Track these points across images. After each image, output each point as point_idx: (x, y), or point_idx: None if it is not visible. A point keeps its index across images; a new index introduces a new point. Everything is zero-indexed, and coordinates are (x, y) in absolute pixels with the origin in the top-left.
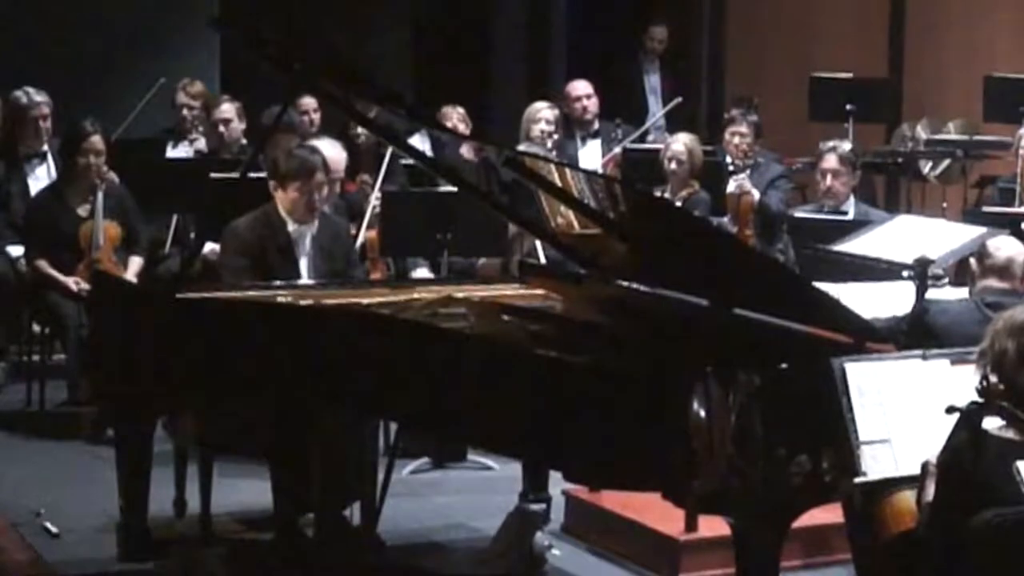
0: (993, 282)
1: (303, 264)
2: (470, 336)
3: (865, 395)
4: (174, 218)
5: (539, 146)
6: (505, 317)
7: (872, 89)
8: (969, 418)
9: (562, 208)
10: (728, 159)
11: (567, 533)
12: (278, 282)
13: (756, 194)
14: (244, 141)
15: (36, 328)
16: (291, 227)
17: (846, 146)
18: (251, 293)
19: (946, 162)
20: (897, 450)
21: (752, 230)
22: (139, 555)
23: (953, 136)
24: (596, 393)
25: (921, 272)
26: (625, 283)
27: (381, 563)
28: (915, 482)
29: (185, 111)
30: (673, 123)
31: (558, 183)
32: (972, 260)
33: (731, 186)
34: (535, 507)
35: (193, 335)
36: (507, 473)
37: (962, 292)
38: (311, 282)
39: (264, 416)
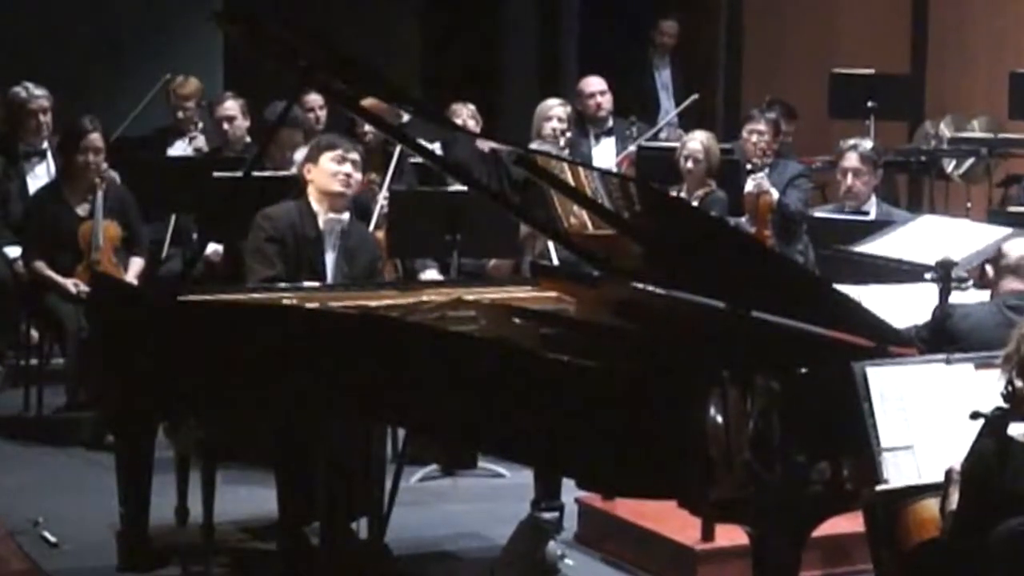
0: (1014, 284)
1: (329, 260)
2: (480, 339)
3: (887, 400)
4: (172, 218)
5: (551, 144)
6: (516, 320)
7: (894, 85)
8: (994, 424)
9: (575, 208)
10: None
11: (580, 542)
12: (283, 284)
13: (775, 193)
14: (248, 139)
15: (34, 331)
16: (322, 221)
17: (867, 144)
18: (255, 296)
19: (970, 161)
20: (920, 457)
21: (771, 230)
22: (140, 565)
23: (977, 134)
24: (610, 398)
25: (944, 274)
26: (640, 285)
27: (389, 573)
28: (938, 490)
29: (180, 113)
30: (688, 120)
31: (571, 182)
32: (987, 266)
33: (749, 185)
34: (547, 516)
35: (195, 338)
36: (518, 481)
37: (986, 295)
38: (316, 284)
39: (268, 422)
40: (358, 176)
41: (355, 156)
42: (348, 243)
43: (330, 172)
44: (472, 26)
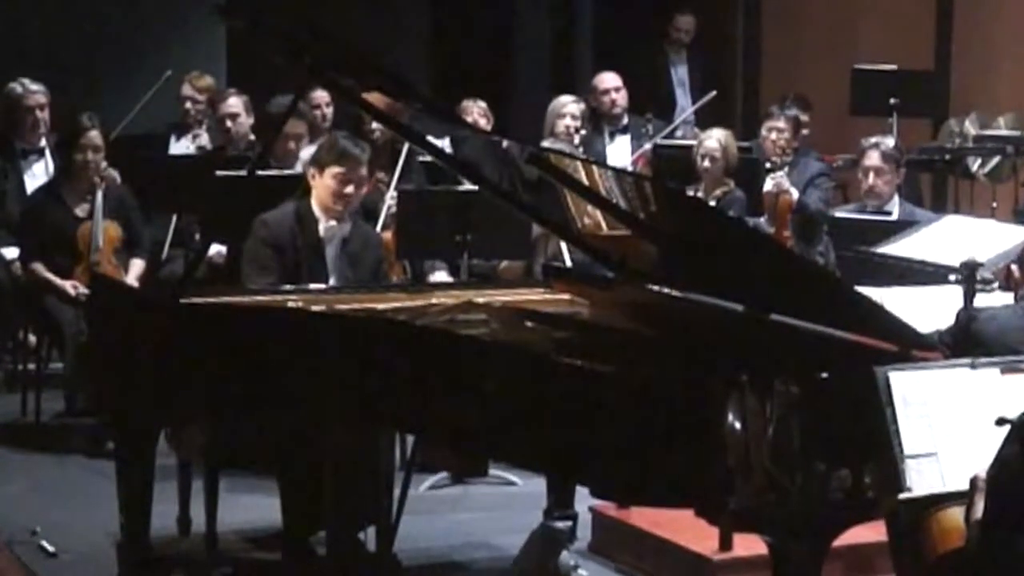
0: None
1: (331, 265)
2: (491, 343)
3: (910, 406)
4: (173, 218)
5: (564, 142)
6: (528, 323)
7: (917, 82)
8: (1021, 430)
9: (589, 208)
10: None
11: (594, 552)
12: (288, 286)
13: (795, 193)
14: (252, 137)
15: (32, 335)
16: (322, 227)
17: (890, 142)
18: (260, 298)
19: (996, 159)
20: (944, 464)
21: (790, 231)
22: (140, 575)
23: (1003, 132)
24: (625, 404)
25: (969, 276)
26: (656, 287)
27: None
28: (963, 498)
29: (188, 104)
30: (705, 118)
31: (585, 181)
32: (1013, 266)
33: (768, 184)
34: (560, 525)
35: (198, 342)
36: (531, 489)
37: (1012, 297)
38: (323, 286)
39: (273, 428)
40: (362, 191)
41: (362, 172)
42: (350, 248)
43: (331, 189)
44: (483, 20)
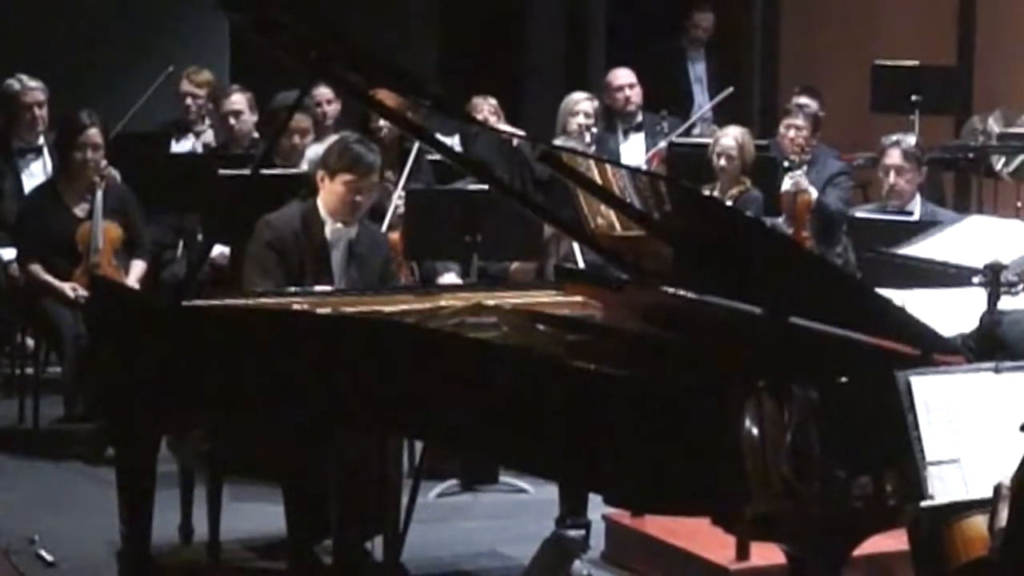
0: None
1: (336, 270)
2: (502, 347)
3: (932, 411)
4: (179, 219)
5: (577, 140)
6: (540, 326)
7: (940, 78)
8: None
9: (602, 208)
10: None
11: (608, 562)
12: (293, 288)
13: (814, 192)
14: (256, 134)
15: (30, 339)
16: (329, 229)
17: (911, 140)
18: (264, 301)
19: (1020, 157)
20: (967, 471)
21: (809, 231)
22: None
23: None
24: (639, 409)
25: (993, 278)
26: (671, 289)
27: None
28: (987, 506)
29: (189, 100)
30: (722, 115)
31: (598, 180)
32: None
33: (786, 184)
34: (573, 533)
35: (200, 346)
36: (542, 496)
37: None
38: (329, 289)
39: (277, 434)
40: (372, 198)
41: (374, 179)
42: (357, 250)
43: (341, 196)
44: (494, 15)
